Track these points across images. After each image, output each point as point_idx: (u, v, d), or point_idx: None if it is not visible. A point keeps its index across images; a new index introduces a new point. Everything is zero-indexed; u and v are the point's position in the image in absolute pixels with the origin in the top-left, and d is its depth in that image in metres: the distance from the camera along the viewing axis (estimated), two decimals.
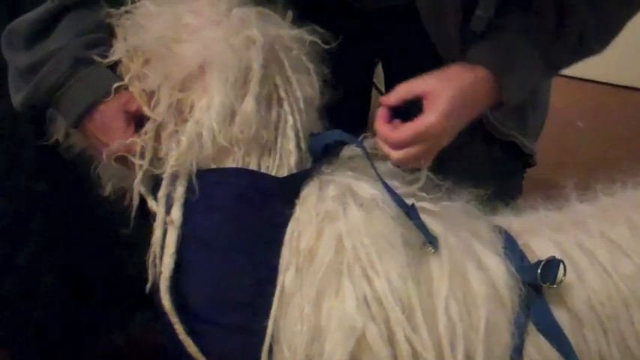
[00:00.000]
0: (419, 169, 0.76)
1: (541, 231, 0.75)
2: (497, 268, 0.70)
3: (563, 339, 0.69)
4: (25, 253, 1.01)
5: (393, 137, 0.73)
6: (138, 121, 0.73)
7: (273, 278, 0.66)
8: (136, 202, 0.71)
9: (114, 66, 0.75)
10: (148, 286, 0.69)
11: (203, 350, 0.67)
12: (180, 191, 0.69)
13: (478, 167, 0.99)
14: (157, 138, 0.71)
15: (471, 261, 0.70)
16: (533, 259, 0.72)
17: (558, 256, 0.70)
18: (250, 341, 0.66)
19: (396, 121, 0.75)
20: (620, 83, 2.25)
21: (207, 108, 0.68)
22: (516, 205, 0.80)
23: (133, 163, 0.71)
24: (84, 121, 0.73)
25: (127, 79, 0.73)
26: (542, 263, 0.69)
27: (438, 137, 0.74)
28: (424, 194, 0.74)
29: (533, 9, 0.79)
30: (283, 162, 0.71)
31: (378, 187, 0.70)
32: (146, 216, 0.71)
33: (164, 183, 0.69)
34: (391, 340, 0.64)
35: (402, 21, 0.90)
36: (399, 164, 0.74)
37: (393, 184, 0.73)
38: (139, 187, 0.71)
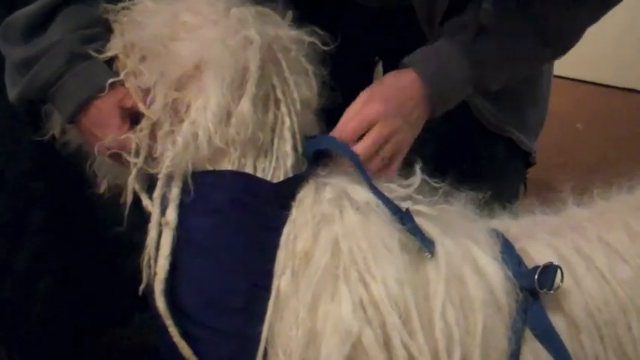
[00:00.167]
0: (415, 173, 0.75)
1: (538, 235, 0.75)
2: (495, 272, 0.69)
3: (560, 345, 0.69)
4: (24, 253, 1.01)
5: (346, 127, 0.73)
6: (134, 117, 0.73)
7: (267, 283, 0.66)
8: (129, 199, 0.71)
9: (110, 62, 0.74)
10: (142, 287, 0.68)
11: (197, 353, 0.66)
12: (175, 192, 0.68)
13: (481, 167, 0.99)
14: (152, 136, 0.71)
15: (468, 265, 0.69)
16: (530, 264, 0.71)
17: (556, 261, 0.70)
18: (245, 345, 0.66)
19: None
20: (619, 85, 2.25)
21: (204, 108, 0.68)
22: (514, 208, 0.80)
23: (127, 161, 0.71)
24: (79, 116, 0.73)
25: (122, 75, 0.73)
26: (540, 269, 0.69)
27: (388, 123, 0.74)
28: (421, 197, 0.74)
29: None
30: (280, 164, 0.71)
31: (374, 191, 0.70)
32: (146, 215, 0.71)
33: (159, 183, 0.69)
34: (387, 345, 0.64)
35: (402, 20, 0.89)
36: (365, 156, 0.73)
37: (390, 187, 0.73)
38: (132, 184, 0.70)
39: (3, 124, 0.96)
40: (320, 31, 0.75)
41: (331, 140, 0.73)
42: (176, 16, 0.71)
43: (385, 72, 1.06)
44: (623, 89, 2.24)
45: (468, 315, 0.67)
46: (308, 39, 0.74)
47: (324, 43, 0.75)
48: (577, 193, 0.79)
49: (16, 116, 0.94)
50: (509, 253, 0.72)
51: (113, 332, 1.17)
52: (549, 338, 0.69)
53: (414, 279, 0.67)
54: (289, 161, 0.71)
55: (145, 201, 0.70)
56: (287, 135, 0.71)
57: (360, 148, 0.73)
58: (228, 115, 0.68)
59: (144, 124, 0.71)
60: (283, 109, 0.71)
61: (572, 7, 0.80)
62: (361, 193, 0.69)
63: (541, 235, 0.75)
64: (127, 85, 0.72)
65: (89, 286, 1.08)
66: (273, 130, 0.71)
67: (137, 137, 0.71)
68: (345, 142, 0.73)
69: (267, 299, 0.65)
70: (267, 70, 0.71)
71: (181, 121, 0.69)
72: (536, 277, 0.69)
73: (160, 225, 0.68)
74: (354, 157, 0.72)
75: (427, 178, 0.75)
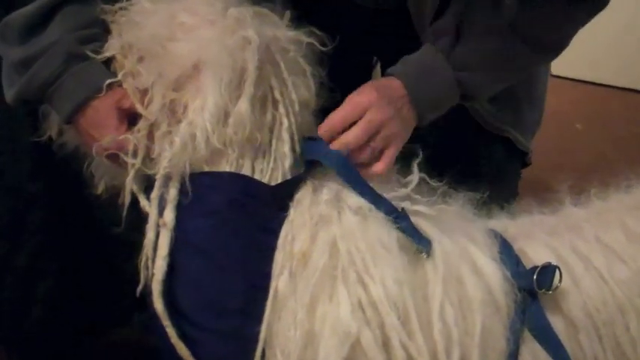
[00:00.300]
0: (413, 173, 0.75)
1: (536, 235, 0.75)
2: (493, 273, 0.69)
3: (559, 345, 0.69)
4: (23, 254, 1.00)
5: (334, 117, 0.73)
6: (131, 118, 0.73)
7: (265, 284, 0.66)
8: (127, 200, 0.71)
9: (108, 62, 0.74)
10: (139, 288, 0.68)
11: (195, 354, 0.66)
12: (173, 193, 0.68)
13: (480, 167, 0.99)
14: (150, 136, 0.71)
15: (466, 265, 0.69)
16: (528, 264, 0.71)
17: (554, 262, 0.70)
18: (243, 346, 0.66)
19: None
20: (619, 85, 2.25)
21: (201, 109, 0.68)
22: (512, 208, 0.80)
23: (125, 162, 0.71)
24: (77, 116, 0.73)
25: (120, 76, 0.73)
26: (539, 269, 0.69)
27: (380, 111, 0.73)
28: (419, 197, 0.74)
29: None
30: (278, 165, 0.70)
31: (369, 194, 0.70)
32: (145, 216, 0.71)
33: (157, 184, 0.68)
34: (386, 346, 0.64)
35: (400, 21, 0.89)
36: (355, 144, 0.72)
37: (388, 186, 0.72)
38: (130, 185, 0.70)
39: (2, 125, 0.96)
40: (318, 32, 0.75)
41: (323, 150, 0.71)
42: (174, 17, 0.71)
43: (383, 73, 1.06)
44: (623, 89, 2.24)
45: (466, 315, 0.67)
46: (306, 40, 0.74)
47: (322, 44, 0.75)
48: (575, 193, 0.79)
49: (15, 117, 0.93)
50: (507, 254, 0.72)
51: (112, 333, 1.17)
52: (548, 338, 0.69)
53: (412, 279, 0.67)
54: (287, 162, 0.71)
55: (143, 202, 0.70)
56: (285, 136, 0.71)
57: (351, 136, 0.72)
58: (225, 116, 0.68)
59: (141, 124, 0.71)
60: (281, 109, 0.71)
61: (550, 9, 0.79)
62: (354, 197, 0.69)
63: (539, 235, 0.75)
64: (124, 85, 0.72)
65: (88, 287, 1.07)
66: (271, 131, 0.71)
67: (135, 138, 0.70)
68: (336, 132, 0.71)
69: (265, 300, 0.65)
70: (265, 70, 0.71)
71: (179, 121, 0.69)
72: (534, 277, 0.69)
73: (158, 226, 0.68)
74: (344, 168, 0.70)
75: (426, 178, 0.75)
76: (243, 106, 0.68)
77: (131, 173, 0.70)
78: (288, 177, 0.71)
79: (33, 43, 0.73)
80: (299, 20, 0.75)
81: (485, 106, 0.94)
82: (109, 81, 0.72)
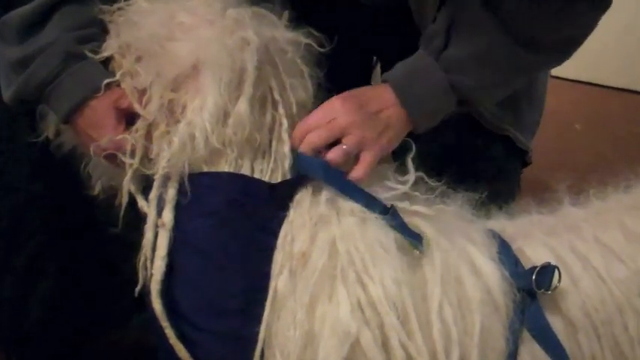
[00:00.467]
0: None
1: (535, 235, 0.75)
2: (492, 273, 0.69)
3: (558, 345, 0.69)
4: (23, 254, 1.00)
5: (308, 120, 0.72)
6: (129, 118, 0.72)
7: (265, 285, 0.66)
8: (125, 201, 0.71)
9: (106, 62, 0.74)
10: (138, 288, 0.68)
11: (194, 355, 0.66)
12: (171, 193, 0.68)
13: (480, 167, 0.98)
14: (148, 137, 0.71)
15: (465, 265, 0.69)
16: (527, 264, 0.72)
17: (553, 262, 0.70)
18: (242, 347, 0.66)
19: None
20: (618, 85, 2.25)
21: (200, 109, 0.68)
22: (510, 208, 0.80)
23: (122, 162, 0.71)
24: (75, 116, 0.73)
25: (118, 76, 0.72)
26: (537, 269, 0.69)
27: (344, 115, 0.71)
28: (418, 194, 0.74)
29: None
30: (277, 165, 0.70)
31: (363, 197, 0.69)
32: (144, 216, 0.71)
33: (155, 184, 0.68)
34: (385, 346, 0.64)
35: (400, 21, 0.89)
36: (318, 144, 0.71)
37: (386, 185, 0.72)
38: (128, 185, 0.70)
39: (2, 126, 0.96)
40: (316, 33, 0.74)
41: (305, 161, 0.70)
42: (172, 17, 0.71)
43: (383, 74, 1.06)
44: (622, 90, 2.24)
45: (465, 315, 0.67)
46: (304, 40, 0.74)
47: (321, 45, 0.74)
48: (574, 193, 0.79)
49: (14, 118, 0.93)
50: (506, 254, 0.72)
51: (111, 333, 1.17)
52: (547, 338, 0.69)
53: (411, 279, 0.67)
54: (287, 163, 0.71)
55: (141, 202, 0.70)
56: (285, 137, 0.71)
57: (314, 135, 0.70)
58: (225, 116, 0.68)
59: (140, 124, 0.71)
60: (281, 110, 0.71)
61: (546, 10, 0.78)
62: (348, 202, 0.69)
63: (537, 235, 0.75)
64: (122, 85, 0.72)
65: (88, 287, 1.07)
66: (270, 132, 0.71)
67: (133, 138, 0.70)
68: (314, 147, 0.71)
69: (264, 301, 0.65)
70: (264, 71, 0.71)
71: (177, 121, 0.69)
72: (533, 277, 0.69)
73: (157, 226, 0.68)
74: (328, 174, 0.69)
75: (425, 177, 0.75)
76: (242, 106, 0.68)
77: (129, 173, 0.70)
78: (288, 177, 0.71)
79: (31, 43, 0.73)
80: (298, 20, 0.75)
81: (487, 107, 0.93)
82: (107, 81, 0.72)
